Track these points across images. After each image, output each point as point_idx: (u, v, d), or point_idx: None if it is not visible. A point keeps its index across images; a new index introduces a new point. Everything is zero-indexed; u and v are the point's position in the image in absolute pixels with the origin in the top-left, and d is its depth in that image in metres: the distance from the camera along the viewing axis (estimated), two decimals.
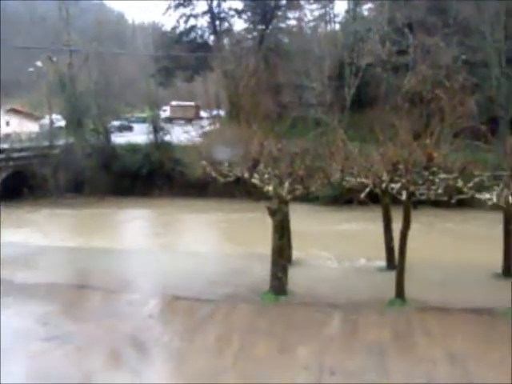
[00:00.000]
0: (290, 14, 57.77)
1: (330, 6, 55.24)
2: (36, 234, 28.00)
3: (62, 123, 49.73)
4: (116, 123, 52.51)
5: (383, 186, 17.75)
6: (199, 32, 59.50)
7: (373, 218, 21.93)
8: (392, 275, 16.70)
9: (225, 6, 57.52)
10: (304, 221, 25.70)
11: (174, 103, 63.17)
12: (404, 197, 16.55)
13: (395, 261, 17.68)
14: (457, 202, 17.88)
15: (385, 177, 17.29)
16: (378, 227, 20.42)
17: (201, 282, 18.43)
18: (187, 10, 58.29)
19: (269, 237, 16.95)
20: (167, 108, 61.56)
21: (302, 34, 53.14)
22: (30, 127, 51.92)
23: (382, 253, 20.11)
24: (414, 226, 16.64)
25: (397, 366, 12.53)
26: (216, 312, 15.85)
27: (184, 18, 58.32)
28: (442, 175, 16.13)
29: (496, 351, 13.09)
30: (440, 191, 16.15)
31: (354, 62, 43.88)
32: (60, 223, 32.79)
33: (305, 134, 28.00)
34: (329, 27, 56.60)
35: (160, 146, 43.58)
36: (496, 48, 40.28)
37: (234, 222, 30.95)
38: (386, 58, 42.04)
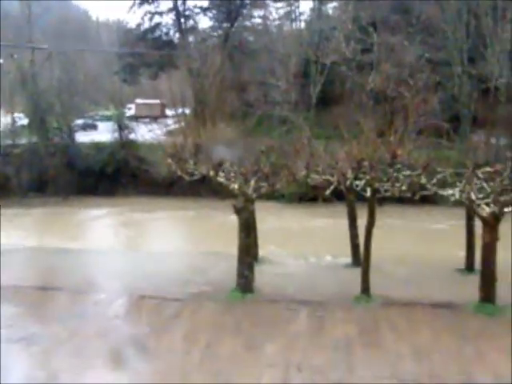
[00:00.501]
0: (255, 12, 57.89)
1: (296, 4, 55.46)
2: None
3: (25, 122, 48.91)
4: (80, 121, 51.88)
5: (348, 183, 17.89)
6: (164, 29, 59.29)
7: (338, 215, 22.10)
8: (358, 271, 16.82)
9: (190, 3, 57.54)
10: (270, 218, 25.80)
11: (139, 101, 62.68)
12: (368, 193, 16.72)
13: (361, 257, 17.80)
14: (421, 198, 18.07)
15: (349, 174, 17.42)
16: (343, 224, 20.59)
17: (167, 281, 18.31)
18: (152, 8, 58.01)
19: (235, 235, 16.93)
20: (132, 106, 61.07)
21: (268, 32, 53.23)
22: None
23: (348, 249, 20.28)
24: (379, 223, 16.80)
25: (363, 361, 12.60)
26: (183, 311, 15.74)
27: (149, 16, 58.02)
28: (406, 172, 16.32)
29: (462, 345, 13.29)
30: (404, 188, 16.33)
31: (319, 60, 44.14)
32: (22, 223, 32.25)
33: (270, 131, 28.23)
34: (294, 25, 56.84)
35: (125, 145, 43.26)
36: (458, 47, 40.95)
37: (200, 221, 30.87)
38: (351, 56, 42.36)
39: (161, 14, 58.07)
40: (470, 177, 16.08)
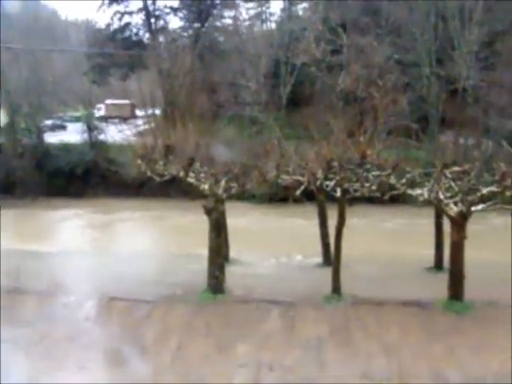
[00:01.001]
0: (226, 13, 57.87)
1: (266, 5, 55.55)
2: None
3: None
4: (49, 122, 51.27)
5: (318, 183, 17.98)
6: (134, 30, 58.93)
7: (308, 215, 22.20)
8: (328, 271, 16.91)
9: (160, 3, 57.15)
10: (241, 219, 25.81)
11: (108, 102, 62.16)
12: (338, 194, 16.83)
13: (331, 257, 17.89)
14: (390, 198, 18.27)
15: (319, 174, 17.51)
16: (314, 224, 20.69)
17: (137, 283, 18.17)
18: (121, 8, 57.63)
19: (205, 236, 16.89)
20: (102, 106, 60.53)
21: (238, 33, 53.22)
22: None
23: (319, 249, 20.39)
24: (349, 223, 16.92)
25: (334, 359, 12.71)
26: (153, 312, 15.65)
27: (118, 16, 57.62)
28: (376, 172, 16.45)
29: (431, 342, 13.46)
30: (374, 188, 16.48)
31: (289, 60, 44.31)
32: None
33: (241, 132, 28.19)
34: (264, 26, 56.94)
35: (94, 146, 42.85)
36: (427, 48, 41.46)
37: (170, 222, 30.74)
38: (321, 57, 42.60)
39: (130, 13, 57.70)
40: (438, 176, 16.29)
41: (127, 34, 58.62)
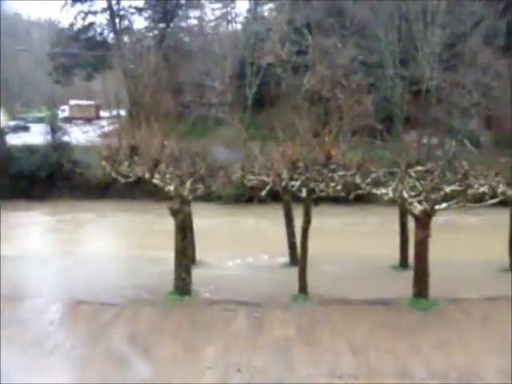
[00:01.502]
0: (191, 13, 57.77)
1: (232, 5, 55.61)
2: None
3: None
4: (11, 123, 50.42)
5: (283, 183, 18.04)
6: (98, 29, 58.31)
7: (275, 216, 22.25)
8: (295, 271, 16.96)
9: (124, 3, 56.71)
10: (207, 220, 25.72)
11: (72, 102, 61.44)
12: (304, 194, 16.90)
13: (298, 256, 17.96)
14: (356, 197, 18.43)
15: (285, 175, 17.58)
16: (280, 224, 20.75)
17: (104, 286, 17.97)
18: (85, 7, 57.00)
19: (171, 237, 16.80)
20: (66, 107, 59.78)
21: (203, 34, 53.16)
22: None
23: (285, 249, 20.44)
24: (315, 222, 16.99)
25: (301, 359, 12.73)
26: (120, 315, 15.48)
27: (82, 15, 56.97)
28: (341, 172, 16.59)
29: (397, 340, 13.60)
30: (339, 187, 16.60)
31: (254, 61, 44.36)
32: None
33: (206, 133, 28.11)
34: (230, 27, 57.00)
35: (58, 147, 42.21)
36: (391, 49, 41.94)
37: (136, 224, 30.50)
38: (286, 57, 42.76)
39: (94, 13, 57.11)
40: (402, 176, 16.51)
41: (91, 33, 58.00)
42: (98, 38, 58.11)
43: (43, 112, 51.27)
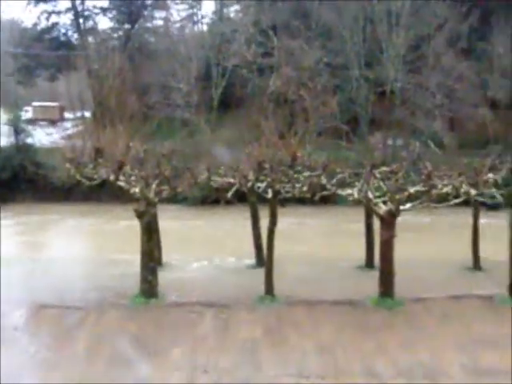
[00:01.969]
0: (157, 14, 57.35)
1: (197, 6, 55.39)
2: None
3: None
4: None
5: (249, 184, 18.05)
6: (62, 30, 57.54)
7: (241, 217, 22.25)
8: (261, 272, 16.98)
9: (89, 3, 56.02)
10: (173, 222, 25.63)
11: (36, 104, 60.38)
12: (270, 195, 16.93)
13: (264, 258, 17.97)
14: (322, 198, 18.54)
15: (251, 176, 17.60)
16: (247, 226, 20.75)
17: (68, 289, 17.76)
18: (49, 7, 56.17)
19: (137, 240, 16.67)
20: (29, 109, 58.75)
21: (169, 35, 52.84)
22: None
23: (252, 250, 20.44)
24: (282, 223, 17.04)
25: (269, 360, 12.75)
26: (85, 319, 15.31)
27: (45, 15, 56.07)
28: (307, 173, 16.66)
29: (364, 339, 13.73)
30: (305, 188, 16.67)
31: (220, 62, 44.30)
32: None
33: (172, 134, 27.93)
34: (196, 28, 56.79)
35: (21, 149, 41.52)
36: (356, 51, 42.28)
37: (100, 226, 30.17)
38: (252, 59, 42.81)
39: (58, 13, 56.28)
40: (367, 177, 16.65)
41: (55, 34, 57.20)
42: (62, 38, 57.33)
43: (5, 113, 50.31)
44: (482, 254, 19.93)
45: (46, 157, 36.78)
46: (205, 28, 55.79)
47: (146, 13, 56.53)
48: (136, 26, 55.33)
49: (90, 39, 54.67)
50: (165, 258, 20.46)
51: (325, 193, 17.75)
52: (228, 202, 20.07)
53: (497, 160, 19.01)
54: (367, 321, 15.03)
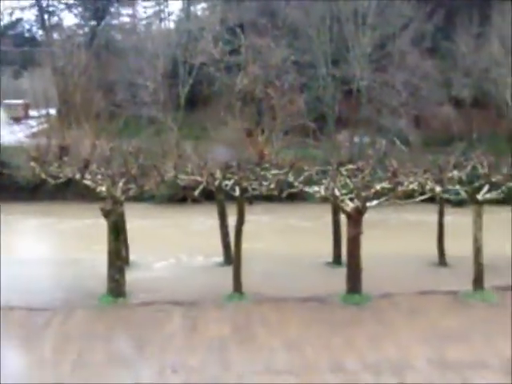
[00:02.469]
0: (123, 11, 56.74)
1: (164, 4, 54.99)
2: None
3: None
4: None
5: (216, 183, 18.04)
6: (26, 26, 56.60)
7: (209, 215, 22.18)
8: (230, 270, 16.99)
9: None
10: (140, 221, 25.44)
11: None
12: (237, 193, 16.93)
13: (232, 256, 17.96)
14: (291, 195, 18.62)
15: (218, 174, 17.59)
16: (215, 224, 20.71)
17: (35, 290, 17.52)
18: (12, 2, 55.13)
19: (104, 239, 16.53)
20: None
21: (136, 32, 52.38)
22: None
23: (220, 248, 20.41)
24: (250, 221, 17.08)
25: (237, 357, 12.80)
26: (52, 320, 15.15)
27: (9, 11, 55.11)
28: (274, 171, 16.72)
29: (332, 335, 13.86)
30: (272, 186, 16.72)
31: (187, 60, 44.03)
32: None
33: (138, 132, 27.71)
34: (163, 25, 56.33)
35: None
36: (322, 50, 42.46)
37: (67, 226, 29.75)
38: (219, 57, 42.64)
39: (22, 9, 55.43)
40: (334, 174, 16.78)
41: (19, 30, 56.31)
42: (27, 34, 56.46)
43: None
44: (448, 250, 20.24)
45: (10, 155, 36.12)
46: (172, 25, 55.37)
47: (112, 9, 55.92)
48: (102, 22, 54.66)
49: (55, 36, 53.74)
50: (132, 256, 20.32)
51: (292, 190, 17.83)
52: (195, 201, 20.02)
53: (461, 157, 19.31)
54: (335, 317, 15.18)
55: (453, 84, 41.53)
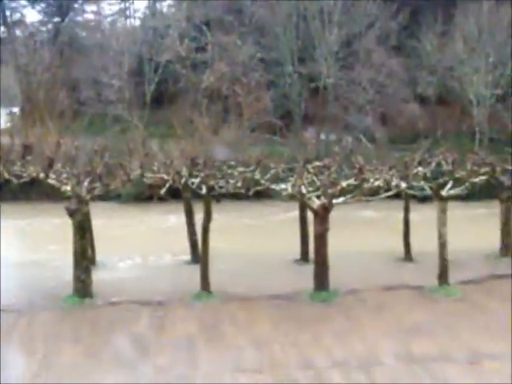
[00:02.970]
0: (88, 7, 56.07)
1: (130, 1, 54.48)
2: None
3: None
4: None
5: (183, 181, 17.95)
6: None
7: (176, 213, 22.09)
8: (197, 269, 16.92)
9: None
10: (106, 220, 25.19)
11: None
12: (204, 191, 16.86)
13: (200, 254, 17.89)
14: (258, 193, 18.62)
15: (184, 172, 17.50)
16: (181, 222, 20.61)
17: None
18: None
19: (69, 239, 16.32)
20: None
21: (100, 29, 51.83)
22: None
23: (187, 247, 20.32)
24: (217, 219, 17.02)
25: (205, 356, 12.74)
26: (17, 322, 14.87)
27: None
28: (241, 168, 16.70)
29: (299, 332, 13.89)
30: (239, 184, 16.70)
31: (153, 58, 43.77)
32: None
33: (104, 131, 27.41)
34: (128, 22, 55.80)
35: None
36: (289, 47, 42.60)
37: (30, 226, 29.30)
38: (185, 54, 42.48)
39: None
40: (300, 171, 16.83)
41: None
42: None
43: None
44: (413, 245, 20.48)
45: None
46: (137, 23, 54.91)
47: (76, 6, 55.21)
48: (66, 19, 53.91)
49: (18, 32, 52.85)
50: (99, 256, 20.08)
51: (259, 188, 17.85)
52: (162, 199, 19.91)
53: (426, 154, 19.56)
54: (303, 314, 15.21)
55: (418, 82, 42.09)
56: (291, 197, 17.54)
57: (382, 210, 26.61)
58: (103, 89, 42.30)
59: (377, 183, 17.09)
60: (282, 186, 17.10)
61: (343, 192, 16.48)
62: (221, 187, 17.02)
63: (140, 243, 23.47)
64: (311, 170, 17.96)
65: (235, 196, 20.76)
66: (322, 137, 40.19)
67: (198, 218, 18.51)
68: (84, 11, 56.40)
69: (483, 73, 40.32)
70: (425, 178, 17.72)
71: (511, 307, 14.76)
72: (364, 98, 40.66)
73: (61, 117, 18.24)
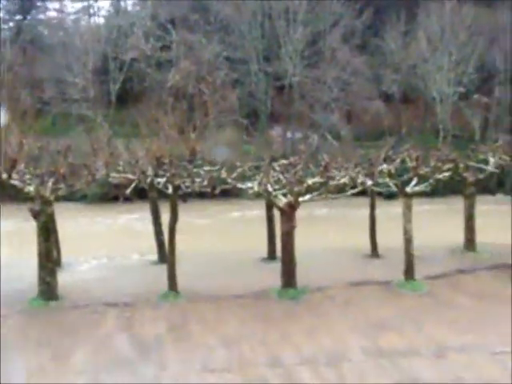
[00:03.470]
0: (50, 5, 55.44)
1: None
2: None
3: None
4: None
5: (148, 180, 17.81)
6: None
7: (142, 213, 21.95)
8: (164, 268, 16.80)
9: None
10: (72, 221, 24.91)
11: None
12: (170, 190, 16.76)
13: (166, 254, 17.79)
14: (225, 192, 18.56)
15: (150, 171, 17.37)
16: (148, 222, 20.48)
17: None
18: None
19: (33, 241, 16.04)
20: None
21: (64, 27, 51.22)
22: None
23: (154, 247, 20.20)
24: (183, 219, 16.93)
25: (173, 357, 12.67)
26: None
27: None
28: (207, 167, 16.64)
29: (268, 330, 13.92)
30: (205, 183, 16.64)
31: (118, 56, 43.48)
32: None
33: (68, 130, 27.04)
34: (92, 20, 55.27)
35: None
36: (254, 46, 42.76)
37: None
38: (150, 53, 42.31)
39: None
40: (266, 169, 16.85)
41: None
42: None
43: None
44: (380, 241, 20.67)
45: None
46: (101, 21, 54.48)
47: (38, 4, 54.52)
48: (28, 17, 53.23)
49: None
50: (64, 258, 19.83)
51: (225, 187, 17.81)
52: (128, 199, 19.73)
53: (391, 151, 19.75)
54: (271, 312, 15.22)
55: (382, 80, 42.65)
56: (258, 195, 17.53)
57: (348, 207, 26.81)
58: (67, 88, 41.85)
59: (343, 180, 17.19)
60: (249, 184, 17.09)
61: (309, 190, 16.54)
62: (187, 187, 16.93)
63: (106, 244, 23.29)
64: (277, 168, 17.97)
65: (202, 195, 20.67)
66: (288, 135, 40.43)
67: (165, 217, 18.41)
68: (47, 9, 55.84)
69: (446, 71, 41.03)
70: (390, 175, 17.87)
71: (476, 301, 15.04)
72: (329, 96, 41.01)
73: (24, 116, 17.82)
